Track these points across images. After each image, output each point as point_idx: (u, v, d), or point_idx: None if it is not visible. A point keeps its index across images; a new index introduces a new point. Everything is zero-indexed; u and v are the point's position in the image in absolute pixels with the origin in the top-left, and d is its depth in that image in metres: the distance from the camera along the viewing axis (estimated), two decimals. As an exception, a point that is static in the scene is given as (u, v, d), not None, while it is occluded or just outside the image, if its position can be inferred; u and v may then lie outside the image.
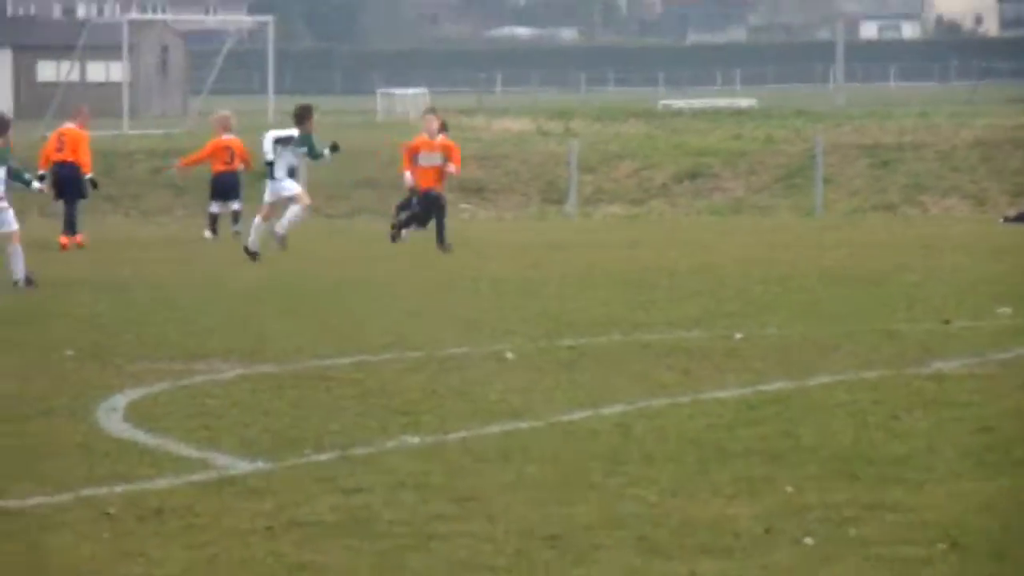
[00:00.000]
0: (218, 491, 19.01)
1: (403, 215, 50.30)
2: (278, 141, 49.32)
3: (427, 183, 48.16)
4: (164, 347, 30.26)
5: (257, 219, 49.82)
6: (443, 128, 50.42)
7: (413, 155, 48.97)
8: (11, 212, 41.16)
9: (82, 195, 53.05)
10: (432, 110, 53.51)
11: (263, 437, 21.88)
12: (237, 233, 53.62)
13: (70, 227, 51.79)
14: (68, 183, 52.41)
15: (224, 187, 58.25)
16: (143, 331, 32.70)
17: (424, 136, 49.31)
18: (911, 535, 16.53)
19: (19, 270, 40.21)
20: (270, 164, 49.38)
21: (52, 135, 55.01)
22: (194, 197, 67.98)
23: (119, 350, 29.94)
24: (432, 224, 51.11)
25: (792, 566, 15.57)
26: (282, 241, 49.24)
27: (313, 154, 51.04)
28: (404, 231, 49.60)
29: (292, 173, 50.29)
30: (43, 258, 42.59)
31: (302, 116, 50.82)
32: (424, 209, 48.61)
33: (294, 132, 49.41)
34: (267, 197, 49.88)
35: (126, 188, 67.87)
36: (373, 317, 34.50)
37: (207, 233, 56.95)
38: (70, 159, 52.74)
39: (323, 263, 46.36)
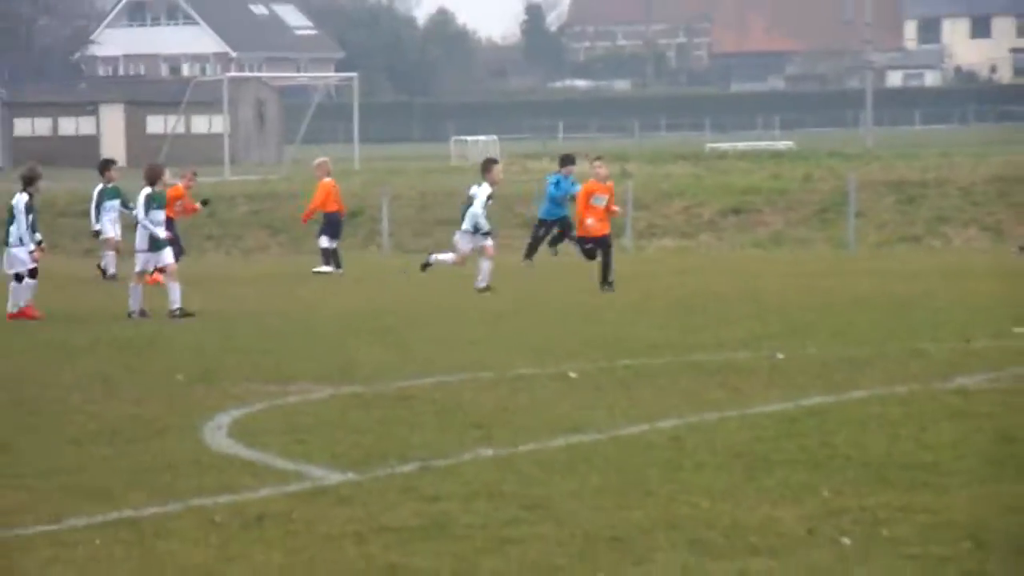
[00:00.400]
0: (312, 500, 19.01)
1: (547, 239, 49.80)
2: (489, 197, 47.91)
3: (599, 226, 46.37)
4: (262, 371, 30.24)
5: (448, 258, 48.35)
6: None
7: (589, 197, 47.13)
8: (170, 249, 41.70)
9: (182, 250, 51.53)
10: (599, 157, 50.92)
11: (351, 451, 21.85)
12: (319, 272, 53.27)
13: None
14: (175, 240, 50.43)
15: (336, 225, 56.83)
16: (243, 357, 32.69)
17: (595, 180, 47.50)
18: (939, 535, 16.48)
19: (175, 300, 40.55)
20: (487, 231, 47.68)
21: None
22: (288, 236, 67.92)
23: (222, 374, 29.92)
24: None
25: (831, 564, 15.54)
26: (484, 290, 46.56)
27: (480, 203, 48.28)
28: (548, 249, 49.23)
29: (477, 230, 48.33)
30: (152, 293, 42.53)
31: (486, 168, 49.41)
32: (588, 251, 46.79)
33: (488, 188, 47.91)
34: (465, 246, 48.03)
35: (227, 228, 67.89)
36: (450, 342, 34.46)
37: (325, 268, 55.59)
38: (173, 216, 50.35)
39: (406, 294, 46.32)
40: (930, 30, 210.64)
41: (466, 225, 47.63)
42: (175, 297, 40.39)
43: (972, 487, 18.73)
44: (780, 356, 30.89)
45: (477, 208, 47.08)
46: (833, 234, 66.13)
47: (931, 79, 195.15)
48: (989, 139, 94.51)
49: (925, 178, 71.99)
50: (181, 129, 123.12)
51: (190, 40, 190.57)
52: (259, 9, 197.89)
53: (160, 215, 41.58)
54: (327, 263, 55.73)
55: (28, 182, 43.89)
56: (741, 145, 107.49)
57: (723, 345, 32.75)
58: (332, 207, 56.71)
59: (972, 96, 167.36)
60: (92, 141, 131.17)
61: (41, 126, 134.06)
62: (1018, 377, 27.63)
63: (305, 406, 26.34)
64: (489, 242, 47.70)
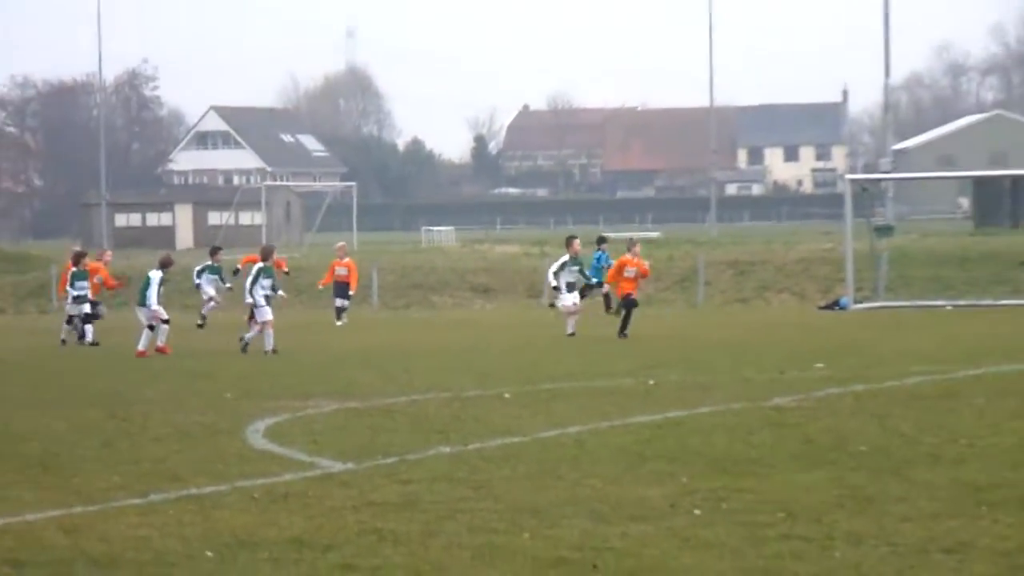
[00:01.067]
0: (322, 482, 18.94)
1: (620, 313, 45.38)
2: (560, 267, 45.67)
3: (630, 288, 44.77)
4: (288, 391, 30.15)
5: (570, 318, 45.05)
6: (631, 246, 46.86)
7: (621, 269, 45.34)
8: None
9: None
10: (632, 240, 49.83)
11: (350, 448, 21.78)
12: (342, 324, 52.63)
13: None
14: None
15: (342, 290, 54.15)
16: (275, 380, 32.61)
17: (629, 256, 45.44)
18: (762, 508, 16.44)
19: (268, 343, 40.26)
20: (556, 286, 45.67)
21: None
22: (307, 296, 67.60)
23: (259, 393, 29.83)
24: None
25: (686, 528, 15.48)
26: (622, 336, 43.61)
27: (582, 272, 46.86)
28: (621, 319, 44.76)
29: (571, 287, 45.77)
30: (206, 335, 42.28)
31: (568, 242, 47.39)
32: (626, 306, 44.75)
33: (566, 257, 46.20)
34: (566, 302, 45.34)
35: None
36: (420, 370, 34.37)
37: (338, 321, 53.63)
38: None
39: (390, 337, 46.15)
40: (756, 155, 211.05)
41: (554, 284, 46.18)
42: (270, 341, 40.28)
43: (785, 474, 18.72)
44: (652, 382, 30.84)
45: (549, 274, 46.45)
46: (688, 297, 66.12)
47: (756, 190, 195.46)
48: (796, 232, 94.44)
49: (753, 259, 71.95)
50: (232, 222, 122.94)
51: (239, 159, 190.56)
52: (288, 138, 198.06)
53: (267, 282, 41.70)
54: (338, 317, 54.04)
55: (163, 265, 43.84)
56: (623, 234, 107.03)
57: (614, 374, 32.69)
58: (339, 279, 54.66)
59: (785, 202, 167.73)
60: (169, 231, 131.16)
61: (133, 219, 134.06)
62: (818, 399, 27.59)
63: (318, 416, 26.25)
64: (567, 299, 45.58)
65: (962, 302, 59.03)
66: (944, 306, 58.10)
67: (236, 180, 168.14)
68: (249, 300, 41.62)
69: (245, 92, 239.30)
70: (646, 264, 47.06)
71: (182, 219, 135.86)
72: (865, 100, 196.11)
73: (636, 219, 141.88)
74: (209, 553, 14.68)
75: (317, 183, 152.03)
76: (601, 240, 54.92)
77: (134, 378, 34.21)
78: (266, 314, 40.80)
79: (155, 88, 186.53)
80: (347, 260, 55.25)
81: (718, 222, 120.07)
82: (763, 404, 26.68)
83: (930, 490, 17.44)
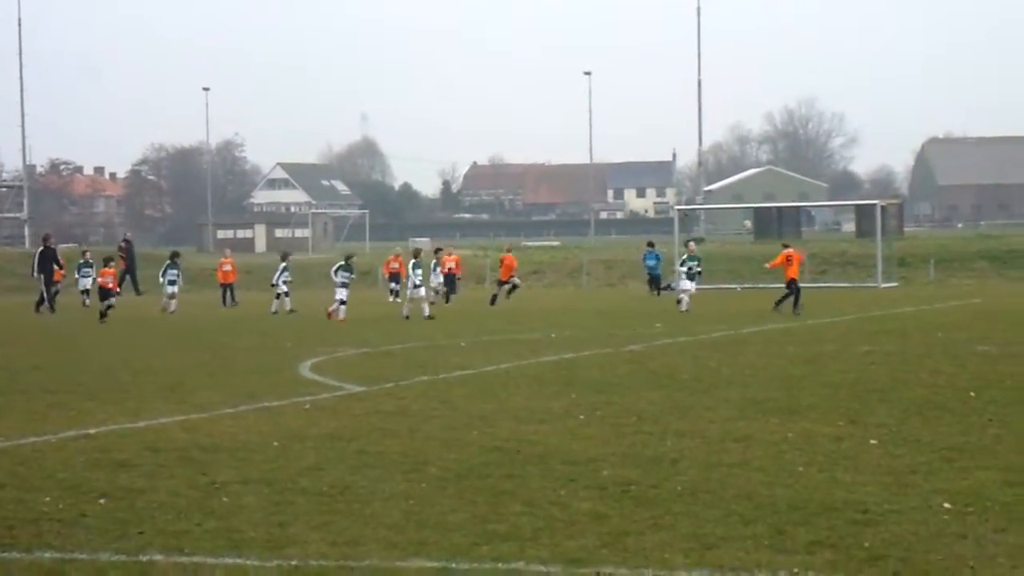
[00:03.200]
0: (347, 399, 18.86)
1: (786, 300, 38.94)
2: (682, 263, 41.57)
3: (794, 274, 38.62)
4: (326, 342, 30.05)
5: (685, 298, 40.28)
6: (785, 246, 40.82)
7: (788, 259, 39.10)
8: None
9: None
10: (690, 240, 44.98)
11: (364, 377, 21.70)
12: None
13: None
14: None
15: (394, 278, 49.62)
16: (317, 336, 32.50)
17: (791, 250, 39.60)
18: (621, 414, 16.45)
19: (425, 310, 38.33)
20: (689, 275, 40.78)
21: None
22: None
23: (310, 343, 29.73)
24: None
25: (575, 426, 15.48)
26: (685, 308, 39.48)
27: (699, 266, 42.10)
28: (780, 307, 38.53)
29: (691, 277, 40.99)
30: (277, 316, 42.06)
31: (686, 244, 43.72)
32: (796, 291, 38.67)
33: (685, 255, 41.79)
34: (687, 287, 40.62)
35: (313, 278, 67.09)
36: (409, 329, 34.28)
37: (389, 298, 49.32)
38: None
39: (388, 309, 45.87)
40: (618, 193, 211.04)
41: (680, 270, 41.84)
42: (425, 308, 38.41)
43: (636, 393, 18.70)
44: (553, 336, 30.80)
45: (677, 265, 42.69)
46: (576, 282, 66.12)
47: (619, 215, 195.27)
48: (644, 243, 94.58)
49: (616, 259, 71.95)
50: (290, 235, 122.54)
51: (295, 195, 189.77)
52: (325, 183, 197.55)
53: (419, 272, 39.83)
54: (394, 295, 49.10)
55: (283, 257, 44.72)
56: (535, 244, 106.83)
57: (529, 331, 32.67)
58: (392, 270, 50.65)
59: (640, 225, 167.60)
60: (251, 241, 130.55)
61: (227, 233, 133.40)
62: (656, 345, 27.58)
63: (345, 358, 26.15)
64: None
65: (747, 285, 59.22)
66: (736, 288, 58.27)
67: (293, 209, 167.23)
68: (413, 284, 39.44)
69: (299, 152, 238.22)
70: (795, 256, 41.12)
71: (259, 233, 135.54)
72: (687, 158, 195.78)
73: (543, 234, 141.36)
74: (275, 443, 14.63)
75: (343, 211, 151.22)
76: (651, 244, 54.74)
77: (230, 332, 34.09)
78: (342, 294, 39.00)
79: (242, 150, 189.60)
80: (399, 259, 50.59)
81: (595, 235, 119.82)
82: (623, 349, 26.70)
83: (727, 403, 17.50)
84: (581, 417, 16.28)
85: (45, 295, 45.16)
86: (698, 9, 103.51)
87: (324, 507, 11.08)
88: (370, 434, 15.15)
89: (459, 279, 52.14)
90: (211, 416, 17.02)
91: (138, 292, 56.44)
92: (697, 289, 42.01)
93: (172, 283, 44.54)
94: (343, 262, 41.46)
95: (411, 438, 14.83)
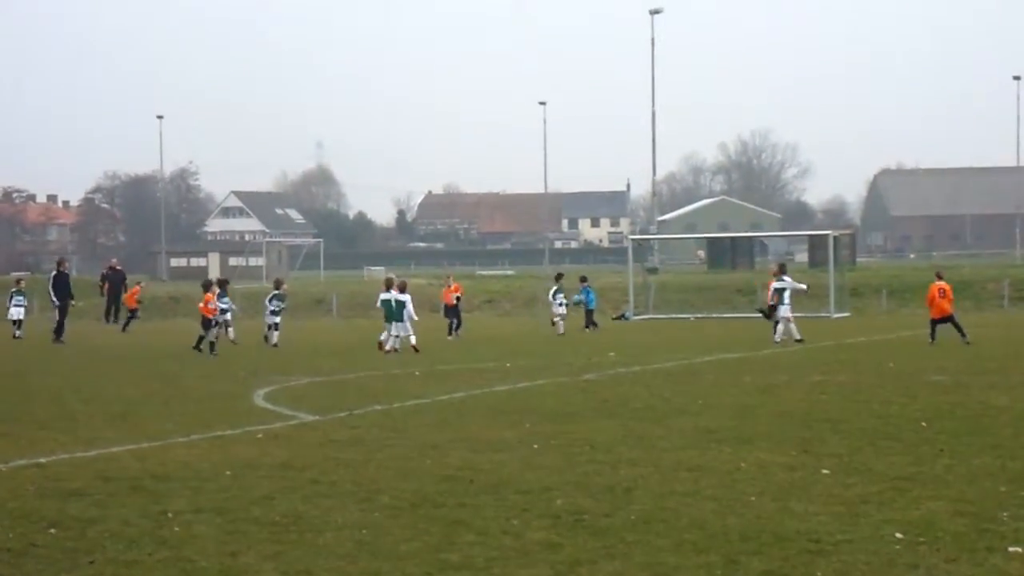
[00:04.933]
0: (300, 428, 18.81)
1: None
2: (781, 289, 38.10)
3: (947, 310, 36.35)
4: (279, 370, 29.95)
5: (791, 326, 37.70)
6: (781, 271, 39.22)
7: (940, 292, 36.89)
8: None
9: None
10: (940, 275, 38.75)
11: (317, 406, 21.63)
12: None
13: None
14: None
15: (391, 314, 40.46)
16: (270, 365, 32.39)
17: (943, 283, 37.21)
18: (575, 443, 16.44)
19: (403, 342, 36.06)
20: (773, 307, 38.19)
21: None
22: (291, 312, 67.14)
23: (262, 372, 29.62)
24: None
25: (529, 455, 15.47)
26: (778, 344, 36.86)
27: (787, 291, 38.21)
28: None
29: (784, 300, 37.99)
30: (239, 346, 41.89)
31: (780, 270, 40.10)
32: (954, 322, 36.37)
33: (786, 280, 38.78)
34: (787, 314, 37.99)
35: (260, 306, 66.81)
36: (362, 358, 34.19)
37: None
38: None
39: (342, 337, 45.72)
40: (573, 223, 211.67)
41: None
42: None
43: (590, 422, 18.72)
44: (508, 365, 30.80)
45: (777, 289, 38.30)
46: (531, 311, 66.13)
47: (574, 245, 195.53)
48: (598, 271, 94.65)
49: (571, 288, 72.02)
50: (244, 263, 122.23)
51: (249, 224, 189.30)
52: (280, 211, 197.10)
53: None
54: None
55: (277, 285, 42.64)
56: (488, 272, 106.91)
57: (483, 360, 32.64)
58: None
59: (592, 253, 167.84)
60: (204, 269, 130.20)
61: (180, 262, 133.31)
62: (611, 375, 27.63)
63: (298, 387, 26.07)
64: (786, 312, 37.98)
65: (700, 315, 59.41)
66: (689, 318, 58.43)
67: (247, 238, 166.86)
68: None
69: (254, 181, 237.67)
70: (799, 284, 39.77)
71: (212, 262, 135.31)
72: (641, 189, 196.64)
73: (499, 263, 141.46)
74: (228, 472, 14.56)
75: (298, 239, 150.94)
76: (584, 280, 52.29)
77: (181, 360, 33.93)
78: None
79: (196, 179, 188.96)
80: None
81: (550, 264, 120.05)
82: (577, 378, 26.72)
83: (680, 432, 17.53)
84: (535, 446, 16.27)
85: (60, 323, 43.33)
86: (652, 40, 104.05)
87: (276, 537, 11.03)
88: (323, 463, 15.10)
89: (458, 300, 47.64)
90: (163, 445, 16.93)
91: (108, 319, 54.41)
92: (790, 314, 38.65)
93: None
94: (275, 291, 41.76)
95: (364, 467, 14.78)
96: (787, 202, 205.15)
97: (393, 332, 36.52)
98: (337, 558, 10.19)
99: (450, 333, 44.20)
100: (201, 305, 38.16)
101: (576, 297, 51.41)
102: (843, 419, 18.67)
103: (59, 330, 43.27)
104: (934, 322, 37.05)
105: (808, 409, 20.09)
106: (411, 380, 27.11)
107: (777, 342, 37.30)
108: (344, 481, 13.82)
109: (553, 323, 45.61)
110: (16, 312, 47.90)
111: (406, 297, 37.16)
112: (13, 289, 49.69)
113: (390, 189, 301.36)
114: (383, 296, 37.55)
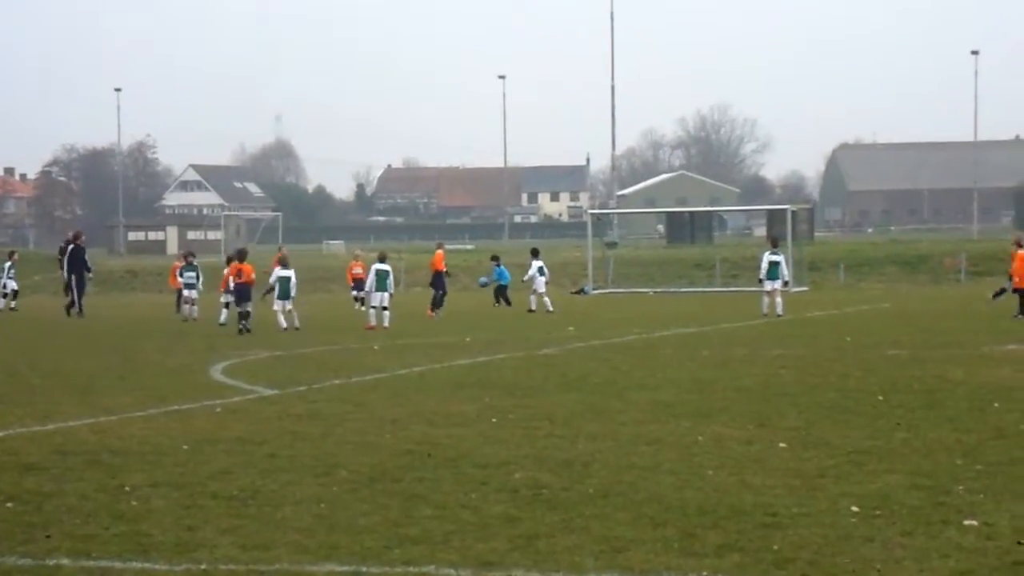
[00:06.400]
0: (259, 402, 18.76)
1: None
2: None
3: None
4: (238, 346, 29.88)
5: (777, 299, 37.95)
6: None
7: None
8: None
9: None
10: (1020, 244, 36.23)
11: (275, 379, 21.58)
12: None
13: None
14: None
15: (360, 285, 43.75)
16: (227, 339, 32.28)
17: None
18: (534, 417, 16.47)
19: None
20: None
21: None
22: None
23: (221, 348, 29.54)
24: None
25: (487, 429, 15.47)
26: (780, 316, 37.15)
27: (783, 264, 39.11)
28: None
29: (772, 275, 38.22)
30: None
31: (774, 242, 40.25)
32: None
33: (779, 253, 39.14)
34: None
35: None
36: (320, 332, 34.13)
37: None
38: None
39: (302, 311, 45.54)
40: (533, 198, 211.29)
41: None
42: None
43: (549, 396, 18.75)
44: (468, 339, 30.81)
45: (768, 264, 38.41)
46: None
47: (534, 219, 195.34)
48: (558, 246, 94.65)
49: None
50: (202, 237, 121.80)
51: (208, 198, 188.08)
52: (238, 184, 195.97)
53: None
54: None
55: (241, 256, 37.21)
56: (450, 247, 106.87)
57: (443, 334, 32.64)
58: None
59: (552, 228, 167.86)
60: (162, 243, 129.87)
61: (138, 235, 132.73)
62: (570, 349, 27.65)
63: (256, 361, 26.01)
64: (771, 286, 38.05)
65: (659, 289, 59.58)
66: (648, 292, 58.59)
67: (205, 211, 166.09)
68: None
69: (212, 154, 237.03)
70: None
71: (170, 236, 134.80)
72: (600, 163, 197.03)
73: (458, 238, 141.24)
74: (185, 446, 14.51)
75: (257, 213, 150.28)
76: (496, 259, 51.01)
77: (139, 335, 33.77)
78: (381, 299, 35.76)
79: (154, 152, 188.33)
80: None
81: (509, 239, 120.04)
82: (536, 352, 26.75)
83: (638, 406, 17.57)
84: (494, 420, 16.27)
85: (76, 298, 42.63)
86: (611, 15, 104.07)
87: (234, 511, 11.00)
88: (281, 437, 15.06)
89: (448, 275, 45.99)
90: (121, 419, 16.86)
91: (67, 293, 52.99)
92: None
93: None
94: (184, 262, 41.07)
95: (322, 442, 14.76)
96: (746, 177, 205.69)
97: (375, 303, 35.91)
98: (295, 532, 10.17)
99: (434, 307, 42.47)
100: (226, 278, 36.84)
101: (482, 280, 51.01)
102: (800, 393, 18.76)
103: (74, 304, 42.58)
104: (1021, 292, 35.30)
105: (766, 383, 20.17)
106: (370, 354, 27.08)
107: None
108: (302, 455, 13.79)
109: (534, 303, 43.28)
110: (10, 284, 47.90)
111: (289, 272, 36.02)
112: (7, 263, 49.11)
113: (349, 163, 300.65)
114: (279, 274, 36.27)
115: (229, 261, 36.90)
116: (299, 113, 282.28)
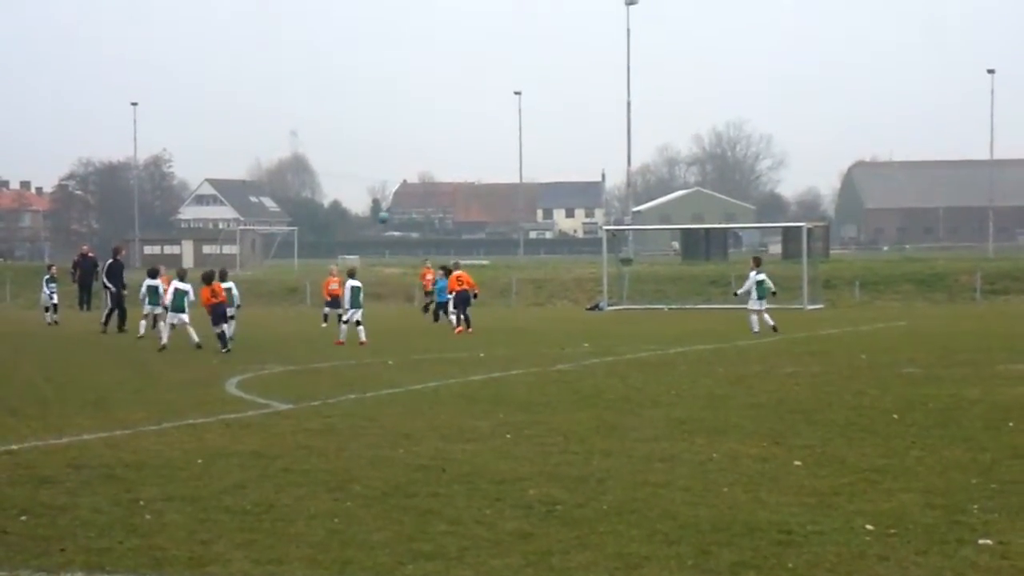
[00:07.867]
0: (275, 416, 18.77)
1: None
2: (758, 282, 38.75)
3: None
4: (254, 359, 29.89)
5: (759, 318, 38.72)
6: None
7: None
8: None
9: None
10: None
11: (291, 395, 21.59)
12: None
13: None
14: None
15: (334, 301, 43.14)
16: (242, 353, 32.31)
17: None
18: (548, 433, 16.45)
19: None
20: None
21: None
22: (266, 299, 66.87)
23: (236, 361, 29.56)
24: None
25: (502, 445, 15.46)
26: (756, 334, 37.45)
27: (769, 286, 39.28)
28: None
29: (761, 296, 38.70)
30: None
31: (756, 263, 40.44)
32: None
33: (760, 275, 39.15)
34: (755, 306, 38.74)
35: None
36: (335, 346, 34.14)
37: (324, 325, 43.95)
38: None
39: (316, 327, 45.62)
40: (548, 213, 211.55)
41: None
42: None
43: (563, 413, 18.72)
44: (482, 355, 30.79)
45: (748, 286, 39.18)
46: (505, 301, 66.09)
47: (548, 235, 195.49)
48: (573, 262, 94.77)
49: (545, 278, 72.11)
50: (217, 251, 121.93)
51: (223, 212, 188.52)
52: (254, 199, 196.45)
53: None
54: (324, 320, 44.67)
55: (222, 276, 36.61)
56: (466, 262, 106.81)
57: (457, 349, 32.64)
58: (332, 291, 44.16)
59: (567, 244, 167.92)
60: (178, 258, 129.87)
61: (154, 249, 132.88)
62: (584, 365, 27.62)
63: (271, 376, 26.03)
64: (757, 306, 38.61)
65: (674, 306, 59.51)
66: (663, 308, 58.53)
67: (220, 226, 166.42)
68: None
69: (228, 169, 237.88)
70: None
71: (186, 250, 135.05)
72: (616, 179, 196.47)
73: (473, 253, 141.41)
74: (199, 460, 14.52)
75: (272, 228, 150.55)
76: (447, 271, 46.59)
77: (154, 348, 33.83)
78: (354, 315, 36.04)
79: (170, 166, 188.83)
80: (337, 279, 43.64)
81: (525, 255, 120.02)
82: (550, 368, 26.73)
83: (652, 423, 17.54)
84: (508, 436, 16.26)
85: (119, 312, 42.36)
86: (628, 31, 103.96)
87: (248, 525, 11.00)
88: (295, 452, 15.07)
89: (476, 295, 45.01)
90: (135, 433, 16.88)
91: (82, 308, 53.14)
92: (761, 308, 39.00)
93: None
94: (179, 281, 38.39)
95: (337, 456, 14.76)
96: (761, 194, 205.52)
97: (351, 318, 36.01)
98: (309, 547, 10.17)
99: (435, 319, 43.86)
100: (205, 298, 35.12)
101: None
102: (815, 410, 18.72)
103: (114, 318, 42.26)
104: None
105: (781, 400, 20.14)
106: (384, 369, 27.09)
107: None
108: (316, 470, 13.80)
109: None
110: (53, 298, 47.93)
111: (187, 286, 34.95)
112: (46, 276, 49.27)
113: (365, 178, 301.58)
114: (351, 284, 36.51)
115: (206, 280, 35.21)
116: (315, 128, 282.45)
